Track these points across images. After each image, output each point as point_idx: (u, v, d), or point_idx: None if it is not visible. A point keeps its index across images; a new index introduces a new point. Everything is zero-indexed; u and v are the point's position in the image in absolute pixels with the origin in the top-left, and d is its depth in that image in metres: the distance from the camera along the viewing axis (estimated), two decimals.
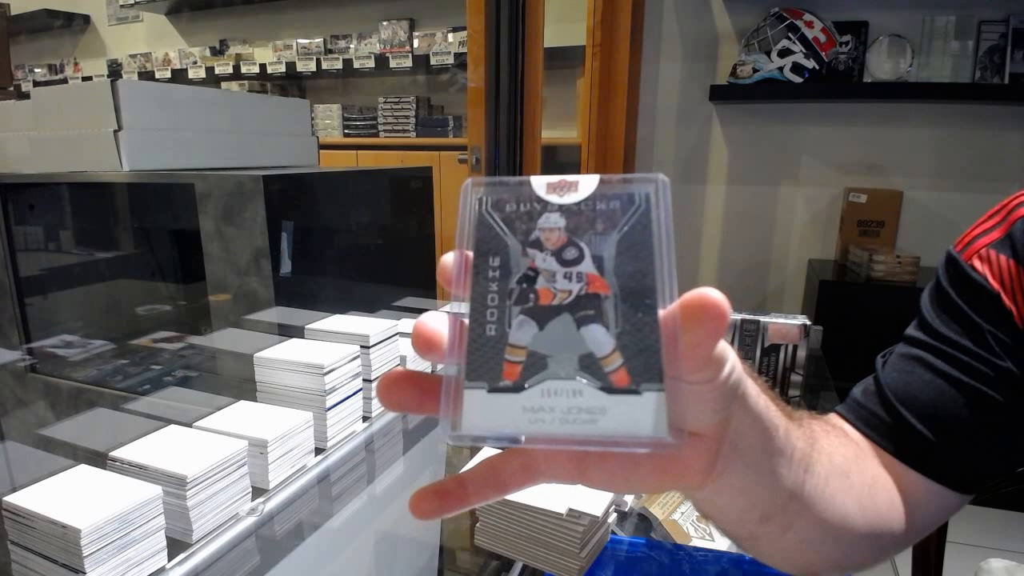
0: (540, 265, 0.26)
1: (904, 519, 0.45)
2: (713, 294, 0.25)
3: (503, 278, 0.26)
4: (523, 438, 0.24)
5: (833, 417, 0.52)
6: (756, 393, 0.30)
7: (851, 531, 0.41)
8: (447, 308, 0.26)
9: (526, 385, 0.25)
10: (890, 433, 0.48)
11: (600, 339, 0.25)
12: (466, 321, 0.26)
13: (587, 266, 0.26)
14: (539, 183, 0.27)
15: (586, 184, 0.27)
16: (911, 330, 0.51)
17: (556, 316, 0.26)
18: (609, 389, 0.24)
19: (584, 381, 0.25)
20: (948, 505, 0.47)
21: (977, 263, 0.46)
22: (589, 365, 0.25)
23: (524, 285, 0.26)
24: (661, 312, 0.25)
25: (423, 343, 0.25)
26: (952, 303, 0.47)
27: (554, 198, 0.27)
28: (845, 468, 0.42)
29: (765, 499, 0.34)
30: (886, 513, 0.44)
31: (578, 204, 0.26)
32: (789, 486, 0.34)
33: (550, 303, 0.26)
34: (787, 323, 0.95)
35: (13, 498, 0.54)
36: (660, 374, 0.24)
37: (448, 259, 0.26)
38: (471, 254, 0.26)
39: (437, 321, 0.26)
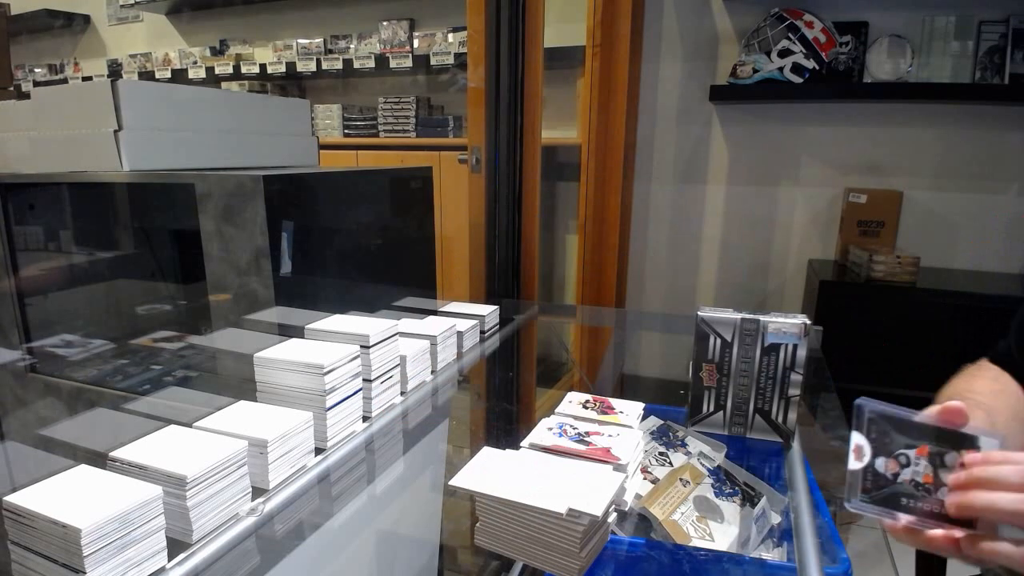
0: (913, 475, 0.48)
1: None
2: (954, 404, 0.47)
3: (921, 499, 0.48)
4: None
5: (984, 362, 0.74)
6: None
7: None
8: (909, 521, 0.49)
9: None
10: (1013, 365, 0.70)
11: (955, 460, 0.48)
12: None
13: (911, 451, 0.48)
14: (872, 473, 0.48)
15: (857, 442, 0.49)
16: None
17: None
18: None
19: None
20: None
21: None
22: None
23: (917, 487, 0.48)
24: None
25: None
26: None
27: (872, 463, 0.48)
28: (1014, 408, 0.64)
29: None
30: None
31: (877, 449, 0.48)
32: None
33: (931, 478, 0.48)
34: (787, 323, 0.95)
35: (13, 498, 0.54)
36: (986, 436, 0.47)
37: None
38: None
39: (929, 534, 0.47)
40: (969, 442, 0.45)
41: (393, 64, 3.06)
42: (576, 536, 0.61)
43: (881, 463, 0.46)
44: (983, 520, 0.45)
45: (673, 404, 1.11)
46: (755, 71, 2.20)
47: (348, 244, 1.31)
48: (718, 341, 0.99)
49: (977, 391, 0.66)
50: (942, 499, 0.46)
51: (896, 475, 0.46)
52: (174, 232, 1.45)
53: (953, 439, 0.46)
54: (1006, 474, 0.44)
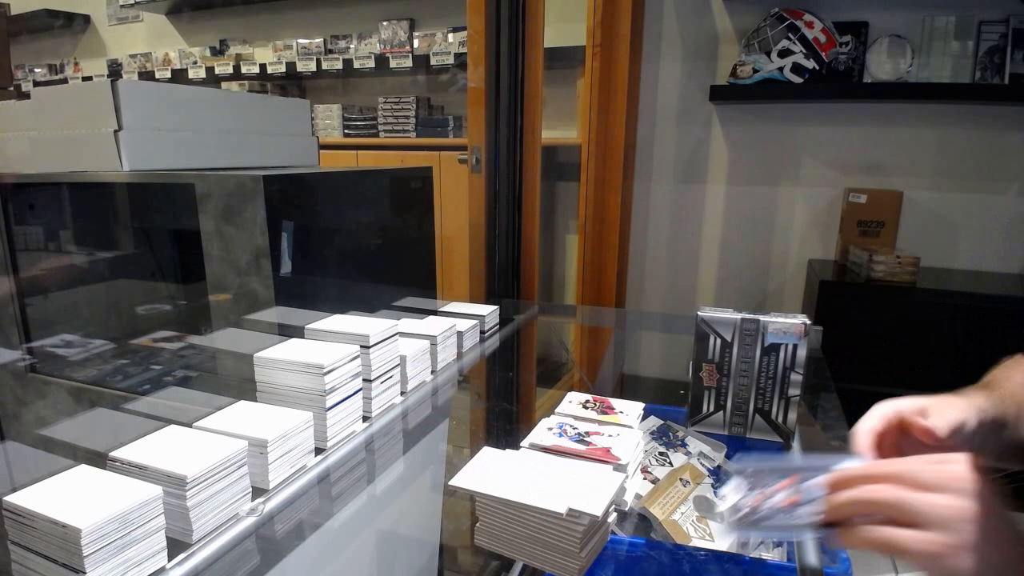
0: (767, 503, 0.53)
1: None
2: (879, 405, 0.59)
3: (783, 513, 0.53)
4: None
5: (1020, 356, 0.75)
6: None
7: None
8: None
9: None
10: None
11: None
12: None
13: (778, 483, 0.53)
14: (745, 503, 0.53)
15: (727, 489, 0.54)
16: None
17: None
18: None
19: None
20: None
21: None
22: None
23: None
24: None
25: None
26: None
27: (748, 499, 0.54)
28: None
29: None
30: None
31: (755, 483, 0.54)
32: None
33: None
34: (787, 323, 0.95)
35: (13, 498, 0.54)
36: (850, 460, 0.54)
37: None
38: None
39: None
40: (834, 464, 0.52)
41: (393, 64, 3.06)
42: (576, 536, 0.61)
43: (749, 496, 0.53)
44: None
45: (673, 404, 1.11)
46: (755, 71, 2.20)
47: (348, 244, 1.31)
48: (718, 341, 0.99)
49: (1015, 381, 0.71)
50: (806, 511, 0.51)
51: (763, 503, 0.52)
52: (174, 232, 1.45)
53: (820, 468, 0.52)
54: (851, 475, 0.50)
